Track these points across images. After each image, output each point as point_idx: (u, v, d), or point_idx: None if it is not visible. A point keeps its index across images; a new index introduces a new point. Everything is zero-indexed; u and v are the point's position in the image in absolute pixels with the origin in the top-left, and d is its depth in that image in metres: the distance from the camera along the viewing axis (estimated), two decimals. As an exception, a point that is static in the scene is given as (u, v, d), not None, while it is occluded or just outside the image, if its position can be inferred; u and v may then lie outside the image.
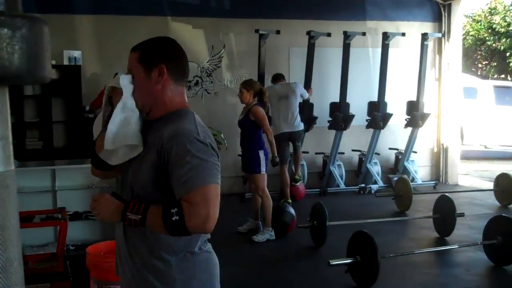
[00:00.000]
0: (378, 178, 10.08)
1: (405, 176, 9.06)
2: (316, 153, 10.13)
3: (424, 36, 10.29)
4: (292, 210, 7.04)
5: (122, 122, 2.15)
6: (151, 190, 2.12)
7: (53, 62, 8.49)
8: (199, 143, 2.07)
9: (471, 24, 21.22)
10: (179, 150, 2.05)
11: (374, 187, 9.88)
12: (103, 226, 5.93)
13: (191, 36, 9.50)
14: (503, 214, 6.32)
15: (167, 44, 2.25)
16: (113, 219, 2.14)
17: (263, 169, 6.67)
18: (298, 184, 9.02)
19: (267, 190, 6.77)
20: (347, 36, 9.64)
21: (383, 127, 9.92)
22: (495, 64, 20.95)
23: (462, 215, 6.94)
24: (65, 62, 8.59)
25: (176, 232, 2.01)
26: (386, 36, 9.99)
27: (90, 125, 9.16)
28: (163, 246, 2.13)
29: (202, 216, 1.99)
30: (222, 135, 6.87)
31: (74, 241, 5.72)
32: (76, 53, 8.67)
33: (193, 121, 2.16)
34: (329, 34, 9.60)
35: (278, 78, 8.91)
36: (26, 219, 4.70)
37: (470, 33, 21.12)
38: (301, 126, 8.83)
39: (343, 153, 10.10)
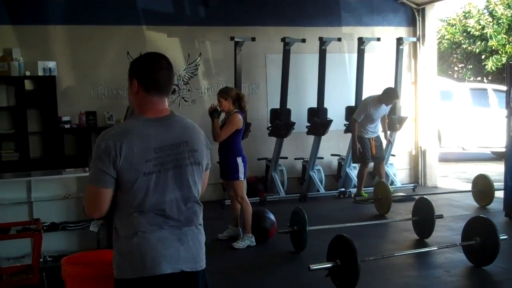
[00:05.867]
0: (358, 182, 10.10)
1: (384, 180, 9.10)
2: (296, 159, 10.13)
3: (399, 41, 10.38)
4: (272, 216, 7.01)
5: None
6: None
7: (28, 73, 8.43)
8: (95, 148, 2.51)
9: (446, 28, 21.37)
10: None
11: (354, 191, 9.89)
12: (80, 237, 5.88)
13: (166, 44, 9.46)
14: (481, 215, 6.36)
15: (144, 60, 2.66)
16: None
17: (241, 176, 6.64)
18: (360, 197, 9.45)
19: (246, 197, 6.75)
20: (323, 42, 9.67)
21: (361, 131, 9.96)
22: (471, 67, 21.10)
23: (441, 216, 6.97)
24: (40, 73, 8.50)
25: None
26: (361, 41, 10.05)
27: (66, 135, 9.05)
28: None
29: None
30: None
31: (51, 253, 5.64)
32: (51, 64, 8.58)
33: (117, 125, 2.64)
34: (303, 40, 9.60)
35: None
36: (2, 231, 4.64)
37: (446, 37, 21.27)
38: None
39: (322, 158, 10.11)
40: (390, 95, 9.12)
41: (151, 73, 2.60)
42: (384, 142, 9.81)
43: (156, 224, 2.54)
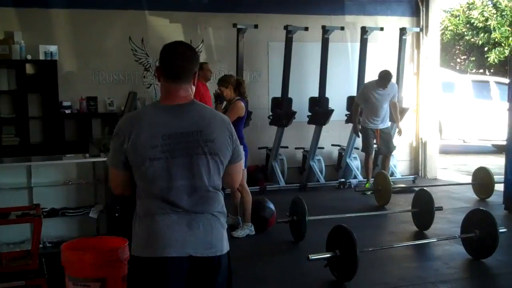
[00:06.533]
0: (358, 173, 10.09)
1: (384, 171, 9.10)
2: (296, 148, 10.13)
3: (402, 31, 10.33)
4: (271, 205, 7.01)
5: None
6: None
7: (29, 57, 8.40)
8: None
9: (449, 19, 21.28)
10: None
11: (354, 181, 9.89)
12: (80, 223, 5.87)
13: (169, 30, 9.42)
14: (481, 208, 6.35)
15: (164, 48, 2.68)
16: None
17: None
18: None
19: (246, 186, 6.73)
20: (325, 31, 9.63)
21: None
22: (474, 58, 21.04)
23: (440, 208, 6.98)
24: (41, 57, 8.48)
25: None
26: (364, 31, 10.01)
27: (66, 121, 8.99)
28: None
29: None
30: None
31: (51, 238, 5.64)
32: (52, 48, 8.55)
33: (133, 111, 2.79)
34: (306, 28, 9.55)
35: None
36: (2, 216, 4.62)
37: (449, 28, 21.19)
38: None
39: (322, 147, 10.11)
40: (382, 76, 9.00)
41: (167, 60, 2.63)
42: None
43: (164, 209, 2.55)
